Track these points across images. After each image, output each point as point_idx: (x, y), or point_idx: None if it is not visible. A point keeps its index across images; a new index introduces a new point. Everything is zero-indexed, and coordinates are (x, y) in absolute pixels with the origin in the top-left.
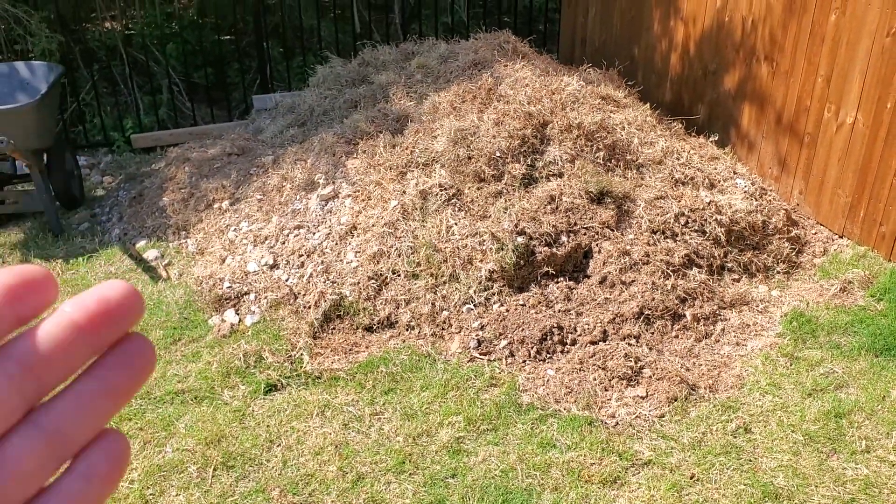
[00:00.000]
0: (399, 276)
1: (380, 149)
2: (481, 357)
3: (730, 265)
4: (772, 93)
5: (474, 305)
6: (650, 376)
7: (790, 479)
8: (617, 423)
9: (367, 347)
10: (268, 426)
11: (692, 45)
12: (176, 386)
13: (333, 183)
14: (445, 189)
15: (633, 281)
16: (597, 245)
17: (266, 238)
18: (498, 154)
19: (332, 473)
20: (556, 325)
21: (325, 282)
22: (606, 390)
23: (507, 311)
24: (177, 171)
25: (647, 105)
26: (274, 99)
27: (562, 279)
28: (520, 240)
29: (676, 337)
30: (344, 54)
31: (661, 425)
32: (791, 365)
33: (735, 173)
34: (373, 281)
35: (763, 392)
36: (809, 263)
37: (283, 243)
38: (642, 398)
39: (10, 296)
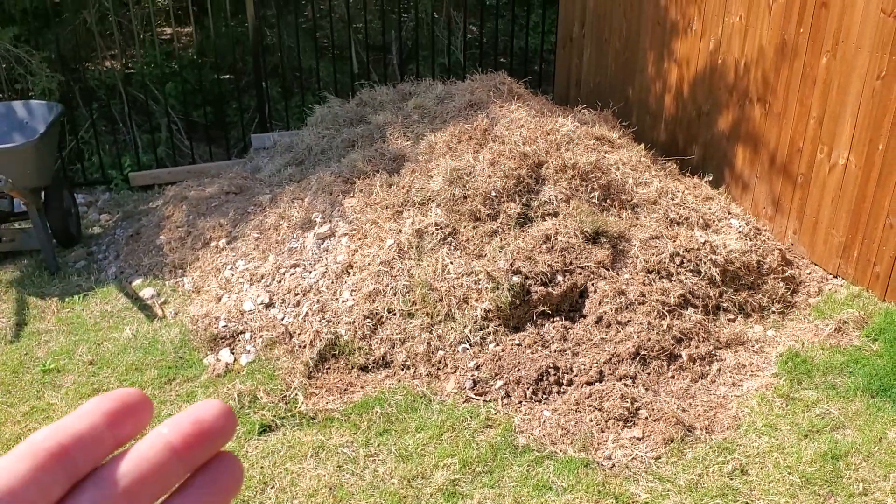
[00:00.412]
0: (395, 315)
1: (376, 188)
2: (477, 397)
3: (725, 305)
4: (765, 134)
5: (470, 345)
6: (646, 417)
7: None
8: (613, 465)
9: (362, 387)
10: (262, 467)
11: (686, 87)
12: None
13: (330, 222)
14: (441, 228)
15: (628, 321)
16: (592, 285)
17: (262, 277)
18: (493, 193)
19: None
20: (552, 366)
21: (320, 321)
22: (603, 431)
23: (503, 350)
24: (174, 209)
25: (642, 145)
26: (272, 138)
27: (558, 319)
28: (515, 279)
29: (672, 377)
30: (342, 94)
31: (658, 467)
32: (787, 406)
33: (729, 213)
34: (368, 320)
35: (759, 433)
36: (804, 303)
37: (280, 282)
38: (639, 439)
39: (110, 420)
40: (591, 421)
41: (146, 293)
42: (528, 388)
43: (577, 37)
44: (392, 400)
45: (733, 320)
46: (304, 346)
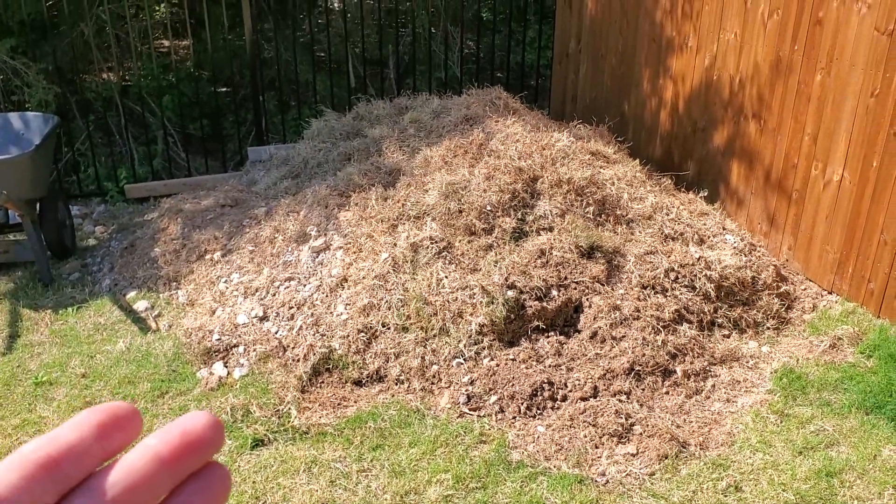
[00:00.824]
0: (389, 329)
1: (372, 201)
2: (471, 413)
3: (720, 321)
4: (760, 150)
5: (464, 360)
6: (641, 433)
7: None
8: (607, 482)
9: (355, 402)
10: (254, 482)
11: (681, 103)
12: None
13: (325, 235)
14: (436, 242)
15: (623, 336)
16: (587, 300)
17: (257, 290)
18: (489, 208)
19: None
20: (546, 381)
21: (314, 334)
22: (597, 447)
23: (498, 365)
24: (169, 221)
25: (637, 161)
26: (268, 151)
27: (552, 334)
28: (510, 293)
29: (667, 393)
30: (339, 108)
31: (652, 483)
32: (781, 422)
33: (724, 229)
34: (362, 334)
35: (754, 450)
36: (799, 319)
37: (274, 295)
38: (633, 455)
39: (100, 432)
40: (586, 437)
41: (140, 306)
42: (522, 404)
43: (574, 52)
44: (386, 415)
45: (728, 336)
46: (298, 360)
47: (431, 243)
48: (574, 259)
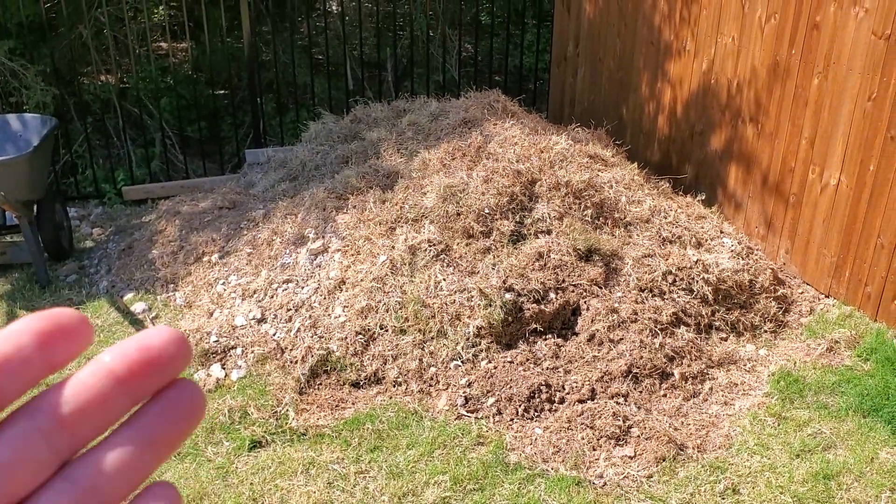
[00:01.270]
0: (387, 331)
1: (370, 204)
2: (468, 414)
3: (717, 324)
4: (757, 154)
5: (462, 362)
6: (638, 436)
7: None
8: (605, 484)
9: (353, 403)
10: (251, 484)
11: (679, 107)
12: None
13: (323, 237)
14: (434, 245)
15: (621, 339)
16: (585, 302)
17: (254, 292)
18: (487, 211)
19: None
20: (544, 383)
21: (312, 336)
22: (594, 450)
23: (495, 367)
24: (167, 223)
25: (635, 164)
26: (266, 153)
27: (550, 336)
28: (508, 296)
29: (665, 396)
30: (336, 111)
31: (649, 486)
32: (779, 425)
33: (722, 232)
34: (360, 336)
35: (751, 452)
36: (796, 323)
37: (272, 297)
38: (630, 458)
39: (41, 341)
40: (583, 439)
41: (137, 307)
42: (519, 406)
43: (572, 56)
44: (383, 416)
45: (725, 339)
46: (296, 362)
47: (429, 246)
48: (572, 262)
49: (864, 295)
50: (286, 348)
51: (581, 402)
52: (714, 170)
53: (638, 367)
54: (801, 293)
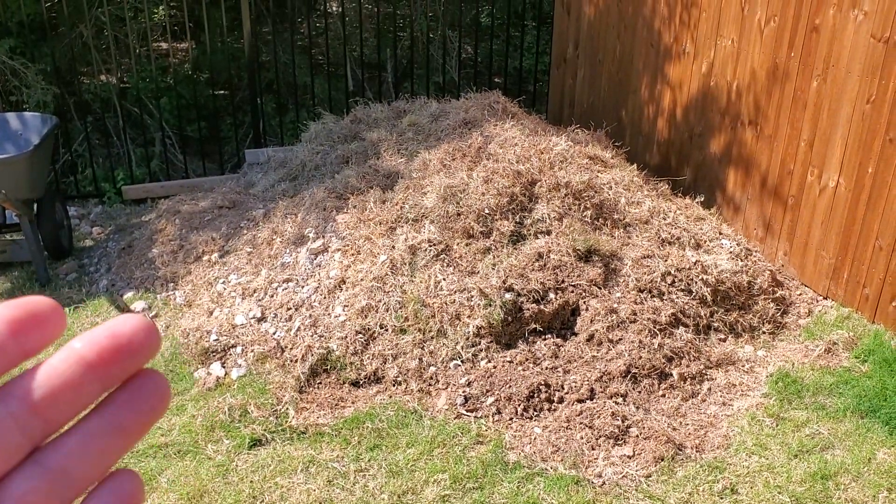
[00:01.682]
0: (387, 330)
1: (370, 204)
2: (468, 414)
3: (716, 325)
4: (756, 156)
5: (461, 361)
6: (637, 435)
7: None
8: (604, 483)
9: (353, 402)
10: (251, 482)
11: (678, 109)
12: (159, 439)
13: (323, 237)
14: (434, 245)
15: (620, 339)
16: (584, 303)
17: (255, 291)
18: (487, 211)
19: None
20: (543, 383)
21: (312, 335)
22: (593, 449)
23: (495, 367)
24: (167, 223)
25: (634, 166)
26: (266, 153)
27: (549, 336)
28: (507, 296)
29: (663, 396)
30: (336, 111)
31: (648, 485)
32: (777, 425)
33: (721, 234)
34: (360, 335)
35: (749, 452)
36: (794, 324)
37: (272, 296)
38: (629, 457)
39: (15, 328)
40: (582, 438)
41: (137, 306)
42: (519, 405)
43: (571, 58)
44: (383, 415)
45: (724, 340)
46: (296, 361)
47: (429, 246)
48: (571, 262)
49: (863, 297)
50: (286, 347)
51: (580, 401)
52: (713, 172)
53: (637, 368)
54: (800, 295)
